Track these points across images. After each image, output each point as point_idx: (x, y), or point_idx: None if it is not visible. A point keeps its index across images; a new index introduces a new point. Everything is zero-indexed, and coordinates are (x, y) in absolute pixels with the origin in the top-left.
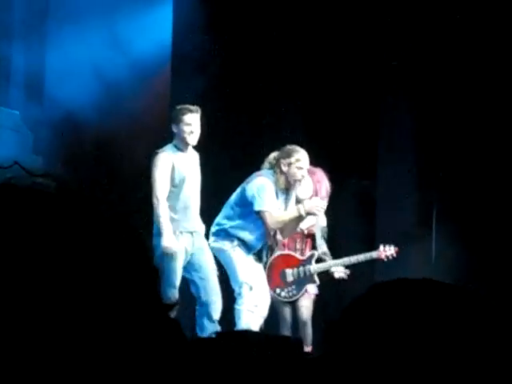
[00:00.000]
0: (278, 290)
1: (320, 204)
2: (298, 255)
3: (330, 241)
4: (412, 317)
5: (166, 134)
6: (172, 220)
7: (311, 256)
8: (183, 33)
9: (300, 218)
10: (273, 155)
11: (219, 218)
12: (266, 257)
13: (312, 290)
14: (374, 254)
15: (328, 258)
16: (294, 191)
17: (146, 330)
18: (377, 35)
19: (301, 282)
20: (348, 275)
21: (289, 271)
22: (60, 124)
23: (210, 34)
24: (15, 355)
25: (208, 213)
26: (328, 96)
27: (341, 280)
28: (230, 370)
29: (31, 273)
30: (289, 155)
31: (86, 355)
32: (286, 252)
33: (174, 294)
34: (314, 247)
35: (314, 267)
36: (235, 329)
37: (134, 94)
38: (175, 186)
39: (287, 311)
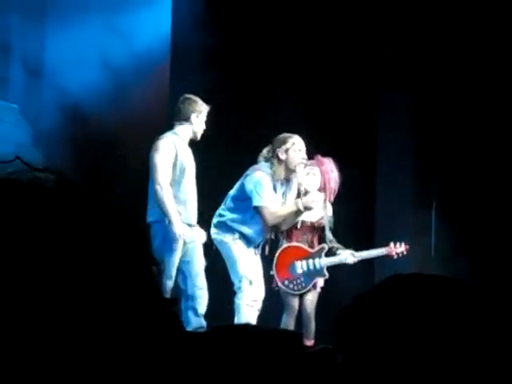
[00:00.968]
0: (286, 282)
1: (317, 198)
2: (307, 247)
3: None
4: (425, 312)
5: (164, 129)
6: None
7: (321, 249)
8: (183, 27)
9: (298, 213)
10: (266, 149)
11: (220, 210)
12: (264, 249)
13: (319, 283)
14: (384, 251)
15: (340, 248)
16: (296, 180)
17: (145, 323)
18: (375, 26)
19: (310, 274)
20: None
21: (298, 263)
22: (59, 118)
23: (210, 28)
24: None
25: (209, 209)
26: (327, 92)
27: (342, 275)
28: (229, 364)
29: (31, 266)
30: (284, 142)
31: (84, 348)
32: (295, 244)
33: (170, 285)
34: (323, 240)
35: (324, 261)
36: (234, 323)
37: (134, 88)
38: (176, 176)
39: (295, 301)
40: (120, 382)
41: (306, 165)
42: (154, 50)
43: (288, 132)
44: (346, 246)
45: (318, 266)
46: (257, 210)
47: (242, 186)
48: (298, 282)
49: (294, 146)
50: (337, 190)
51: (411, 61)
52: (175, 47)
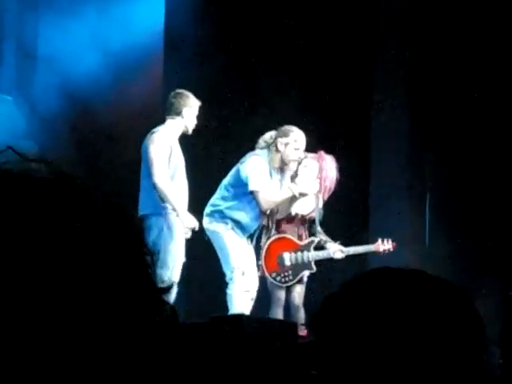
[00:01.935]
0: (273, 275)
1: (310, 189)
2: (296, 240)
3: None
4: (394, 306)
5: (158, 122)
6: None
7: (310, 242)
8: (176, 19)
9: (293, 199)
10: (269, 134)
11: (214, 199)
12: (258, 239)
13: (305, 277)
14: (372, 247)
15: (328, 241)
16: (289, 172)
17: (139, 314)
18: (369, 12)
19: (298, 267)
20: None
21: (287, 255)
22: (53, 109)
23: (203, 20)
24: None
25: (203, 200)
26: (321, 80)
27: (333, 267)
28: (225, 354)
29: (20, 257)
30: (286, 135)
31: (78, 341)
32: (284, 235)
33: (170, 276)
34: (312, 233)
35: (313, 254)
36: (228, 313)
37: (127, 80)
38: (170, 169)
39: (282, 294)
40: (113, 374)
41: (305, 157)
42: (147, 41)
43: (283, 122)
44: (341, 238)
45: (306, 260)
46: (253, 195)
47: (238, 172)
48: (286, 274)
49: (295, 144)
50: (332, 189)
51: (406, 40)
52: (169, 39)
